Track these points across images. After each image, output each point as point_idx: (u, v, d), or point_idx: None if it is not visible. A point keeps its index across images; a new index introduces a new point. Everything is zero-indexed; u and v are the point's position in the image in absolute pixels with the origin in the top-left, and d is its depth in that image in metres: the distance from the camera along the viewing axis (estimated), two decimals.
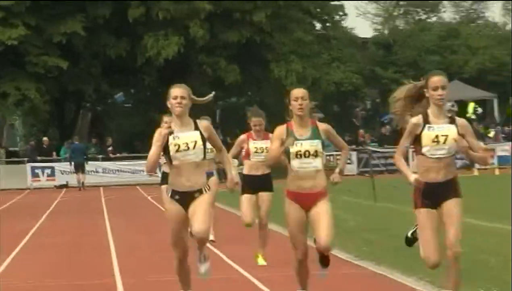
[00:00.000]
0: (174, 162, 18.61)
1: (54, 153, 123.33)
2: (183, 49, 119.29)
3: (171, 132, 17.95)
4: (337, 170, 18.20)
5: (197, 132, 17.85)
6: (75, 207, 77.00)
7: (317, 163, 17.05)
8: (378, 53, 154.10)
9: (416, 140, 15.51)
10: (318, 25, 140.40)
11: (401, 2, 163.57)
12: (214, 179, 35.22)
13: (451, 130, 14.92)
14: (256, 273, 29.60)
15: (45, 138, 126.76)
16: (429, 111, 15.27)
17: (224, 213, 46.60)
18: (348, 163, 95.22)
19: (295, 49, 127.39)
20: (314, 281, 21.09)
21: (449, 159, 15.07)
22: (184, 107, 17.82)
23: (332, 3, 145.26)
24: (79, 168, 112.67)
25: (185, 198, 17.87)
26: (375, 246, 36.37)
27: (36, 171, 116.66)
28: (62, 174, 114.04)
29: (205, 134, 18.05)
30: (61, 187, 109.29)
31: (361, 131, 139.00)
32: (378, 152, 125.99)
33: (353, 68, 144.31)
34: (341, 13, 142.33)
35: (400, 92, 16.27)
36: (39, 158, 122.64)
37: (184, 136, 17.91)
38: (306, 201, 16.86)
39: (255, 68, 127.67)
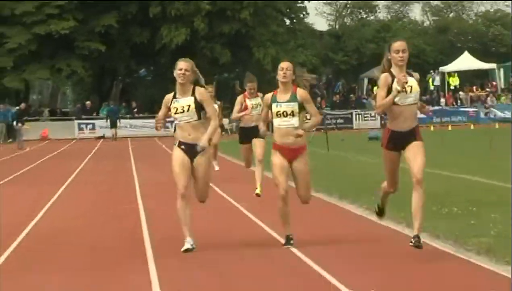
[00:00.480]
0: (175, 121, 19.63)
1: (95, 113, 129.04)
2: (189, 37, 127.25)
3: (174, 97, 19.07)
4: (303, 126, 18.72)
5: (192, 98, 18.42)
6: (109, 153, 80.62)
7: (294, 121, 17.63)
8: (331, 42, 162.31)
9: (388, 93, 15.93)
10: (287, 21, 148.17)
11: (348, 4, 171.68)
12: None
13: (413, 82, 15.64)
14: (245, 205, 30.99)
15: (88, 102, 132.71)
16: (392, 70, 15.91)
17: (221, 159, 47.03)
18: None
19: (271, 38, 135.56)
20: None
21: (414, 107, 15.71)
22: (186, 77, 18.38)
23: (298, 4, 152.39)
24: (113, 124, 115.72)
25: (189, 149, 18.56)
26: (328, 181, 37.69)
27: (81, 125, 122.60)
28: (101, 128, 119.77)
29: (199, 99, 18.58)
30: (99, 138, 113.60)
31: (319, 99, 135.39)
32: (331, 114, 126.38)
33: (313, 53, 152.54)
34: (304, 12, 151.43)
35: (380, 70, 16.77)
36: (83, 116, 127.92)
37: (182, 101, 18.66)
38: (288, 154, 17.48)
39: (241, 52, 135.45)
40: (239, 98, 34.27)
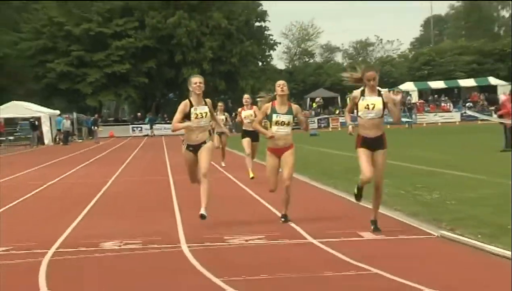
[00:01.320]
0: (191, 126, 16.40)
1: (142, 121, 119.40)
2: (199, 74, 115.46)
3: (192, 106, 16.38)
4: (303, 126, 17.62)
5: (206, 107, 16.07)
6: (150, 145, 76.73)
7: (288, 129, 15.94)
8: (287, 76, 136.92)
9: (356, 108, 14.22)
10: (260, 63, 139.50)
11: (296, 52, 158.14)
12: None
13: (378, 101, 13.71)
14: (248, 187, 27.54)
15: (138, 114, 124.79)
16: (366, 89, 13.96)
17: (227, 152, 39.73)
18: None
19: (250, 74, 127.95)
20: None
21: (377, 120, 13.93)
22: (201, 88, 16.07)
23: (266, 53, 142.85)
24: (151, 127, 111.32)
25: (195, 148, 16.44)
26: (307, 168, 34.13)
27: (134, 128, 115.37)
28: (145, 130, 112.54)
29: (209, 108, 16.26)
30: (144, 136, 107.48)
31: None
32: None
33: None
34: (270, 58, 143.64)
35: (349, 74, 15.22)
36: (135, 122, 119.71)
37: (199, 109, 15.97)
38: (279, 152, 15.83)
39: (232, 83, 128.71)
40: (239, 110, 32.05)
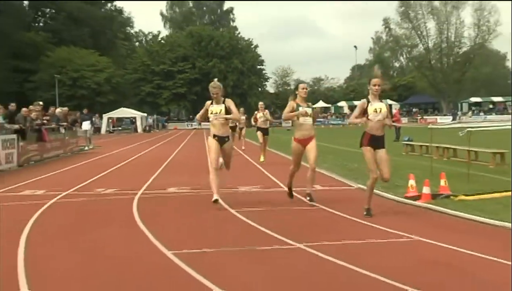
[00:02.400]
0: (211, 119, 13.74)
1: (192, 120, 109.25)
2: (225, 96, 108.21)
3: (211, 103, 13.64)
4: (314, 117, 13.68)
5: (223, 105, 13.37)
6: (196, 135, 69.72)
7: (311, 120, 13.11)
8: (275, 96, 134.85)
9: (365, 112, 11.40)
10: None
11: (280, 83, 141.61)
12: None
13: (383, 106, 11.27)
14: (256, 163, 24.93)
15: (191, 116, 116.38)
16: (370, 97, 11.35)
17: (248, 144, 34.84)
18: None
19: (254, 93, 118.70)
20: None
21: (382, 122, 11.31)
22: (218, 94, 13.29)
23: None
24: (199, 124, 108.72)
25: (220, 139, 13.47)
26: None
27: (188, 124, 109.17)
28: (194, 125, 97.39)
29: (227, 106, 13.41)
30: (193, 129, 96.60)
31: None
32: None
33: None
34: (264, 86, 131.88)
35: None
36: (188, 121, 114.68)
37: (216, 107, 13.38)
38: (305, 143, 12.91)
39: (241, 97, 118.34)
40: (255, 113, 27.81)
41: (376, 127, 11.44)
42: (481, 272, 7.67)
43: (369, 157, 11.62)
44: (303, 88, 13.60)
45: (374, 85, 11.39)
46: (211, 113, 13.49)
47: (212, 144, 13.88)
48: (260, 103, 28.95)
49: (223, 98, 13.88)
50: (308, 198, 13.35)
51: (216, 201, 13.17)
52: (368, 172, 12.03)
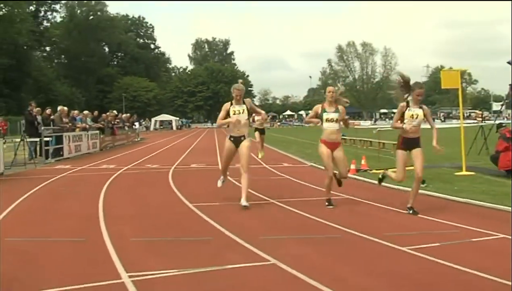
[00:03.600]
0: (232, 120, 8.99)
1: (206, 122, 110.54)
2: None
3: (231, 104, 9.13)
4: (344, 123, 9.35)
5: (244, 106, 9.05)
6: (210, 132, 67.92)
7: (337, 125, 9.01)
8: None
9: (402, 116, 8.26)
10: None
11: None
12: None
13: (420, 112, 8.12)
14: (255, 156, 14.67)
15: (206, 120, 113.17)
16: (410, 101, 8.26)
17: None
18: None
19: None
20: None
21: (418, 127, 8.24)
22: (240, 96, 8.97)
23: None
24: (212, 124, 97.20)
25: (236, 140, 9.10)
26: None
27: (205, 125, 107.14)
28: (209, 126, 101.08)
29: (248, 106, 9.18)
30: (207, 128, 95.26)
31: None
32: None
33: None
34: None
35: (395, 91, 8.76)
36: (205, 122, 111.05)
37: (238, 107, 9.00)
38: (330, 146, 8.95)
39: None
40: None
41: (411, 131, 8.11)
42: (383, 215, 7.77)
43: (400, 161, 8.23)
44: (329, 92, 9.21)
45: (418, 95, 8.15)
46: (234, 113, 9.06)
47: (227, 147, 9.32)
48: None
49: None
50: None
51: (245, 207, 8.43)
52: (397, 174, 8.34)
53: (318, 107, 9.07)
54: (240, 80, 9.89)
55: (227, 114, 8.97)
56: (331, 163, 8.85)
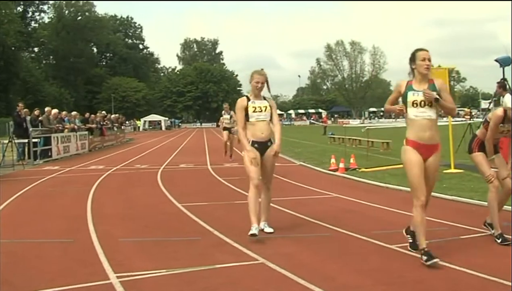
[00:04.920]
0: (251, 119, 6.32)
1: (198, 122, 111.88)
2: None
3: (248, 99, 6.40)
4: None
5: (266, 102, 6.33)
6: (199, 131, 68.07)
7: (432, 113, 5.02)
8: None
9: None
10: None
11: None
12: None
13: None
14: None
15: (195, 119, 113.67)
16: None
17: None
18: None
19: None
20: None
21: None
22: (262, 87, 6.38)
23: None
24: (201, 124, 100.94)
25: (262, 147, 6.30)
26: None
27: (194, 125, 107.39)
28: (197, 125, 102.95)
29: (270, 104, 6.34)
30: (196, 127, 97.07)
31: None
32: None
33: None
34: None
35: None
36: (194, 122, 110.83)
37: (258, 102, 6.31)
38: (424, 151, 5.03)
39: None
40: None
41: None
42: (372, 213, 7.74)
43: (482, 163, 5.84)
44: (423, 59, 5.05)
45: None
46: (254, 111, 6.30)
47: (253, 156, 6.31)
48: (225, 105, 17.98)
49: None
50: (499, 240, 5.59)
51: (253, 235, 6.01)
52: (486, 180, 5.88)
53: (402, 85, 5.27)
54: (262, 68, 6.99)
55: (246, 114, 6.35)
56: (422, 182, 5.04)
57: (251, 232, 5.99)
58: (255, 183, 6.30)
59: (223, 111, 17.87)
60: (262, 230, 6.38)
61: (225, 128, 17.43)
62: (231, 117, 16.98)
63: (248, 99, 6.46)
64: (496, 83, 11.51)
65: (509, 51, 14.17)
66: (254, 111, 6.38)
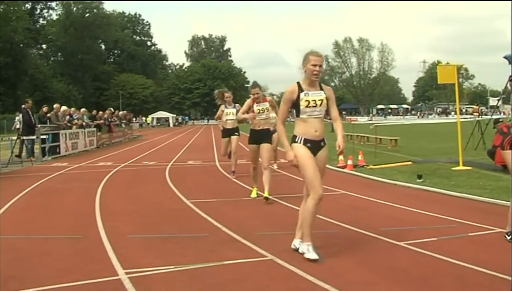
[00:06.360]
0: (302, 115, 5.01)
1: (205, 119, 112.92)
2: None
3: (301, 90, 4.95)
4: None
5: (323, 93, 5.08)
6: (207, 128, 67.11)
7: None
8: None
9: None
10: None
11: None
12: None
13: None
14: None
15: (203, 116, 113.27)
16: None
17: None
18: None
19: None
20: None
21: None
22: (319, 74, 5.04)
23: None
24: (208, 121, 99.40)
25: (315, 146, 5.04)
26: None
27: (202, 122, 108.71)
28: (205, 122, 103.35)
29: (327, 95, 5.11)
30: (204, 124, 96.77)
31: None
32: None
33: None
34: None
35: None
36: (202, 119, 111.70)
37: (314, 94, 5.00)
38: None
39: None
40: (248, 101, 8.79)
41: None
42: (380, 210, 7.66)
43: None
44: (314, 65, 5.10)
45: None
46: (307, 105, 5.03)
47: (306, 158, 5.13)
48: (227, 93, 12.13)
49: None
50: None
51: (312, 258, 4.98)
52: None
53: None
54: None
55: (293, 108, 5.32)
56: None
57: (310, 257, 4.95)
58: (320, 194, 5.06)
59: (221, 104, 12.16)
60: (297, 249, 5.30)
61: (226, 132, 12.23)
62: (236, 113, 11.37)
63: (300, 89, 5.12)
64: (510, 79, 11.33)
65: None
66: (307, 106, 5.11)
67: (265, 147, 8.69)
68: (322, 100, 5.13)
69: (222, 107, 12.11)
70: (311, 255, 4.97)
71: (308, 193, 5.19)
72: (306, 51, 5.17)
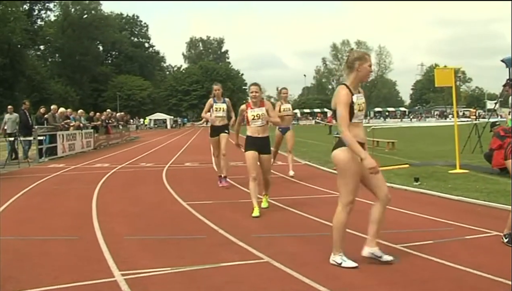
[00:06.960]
0: (354, 120, 4.73)
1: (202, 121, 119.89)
2: None
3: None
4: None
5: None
6: (204, 130, 55.24)
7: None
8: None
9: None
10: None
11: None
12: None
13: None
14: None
15: (200, 118, 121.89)
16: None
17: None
18: None
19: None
20: None
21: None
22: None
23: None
24: (206, 123, 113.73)
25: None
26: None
27: (199, 123, 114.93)
28: (203, 124, 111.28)
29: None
30: (202, 126, 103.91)
31: None
32: None
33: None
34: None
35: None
36: (196, 122, 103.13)
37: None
38: None
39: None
40: (209, 100, 10.66)
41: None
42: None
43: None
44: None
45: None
46: (359, 109, 4.78)
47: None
48: (216, 86, 11.27)
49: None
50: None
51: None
52: None
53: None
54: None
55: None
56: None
57: (387, 259, 4.91)
58: (389, 197, 5.23)
59: (210, 98, 11.13)
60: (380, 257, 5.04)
61: (215, 129, 10.97)
62: (227, 108, 10.93)
63: (350, 92, 4.81)
64: (508, 81, 11.36)
65: None
66: (359, 110, 4.86)
67: (266, 159, 7.97)
68: (364, 103, 4.92)
69: (210, 101, 10.84)
70: (387, 257, 4.91)
71: (378, 196, 5.30)
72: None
